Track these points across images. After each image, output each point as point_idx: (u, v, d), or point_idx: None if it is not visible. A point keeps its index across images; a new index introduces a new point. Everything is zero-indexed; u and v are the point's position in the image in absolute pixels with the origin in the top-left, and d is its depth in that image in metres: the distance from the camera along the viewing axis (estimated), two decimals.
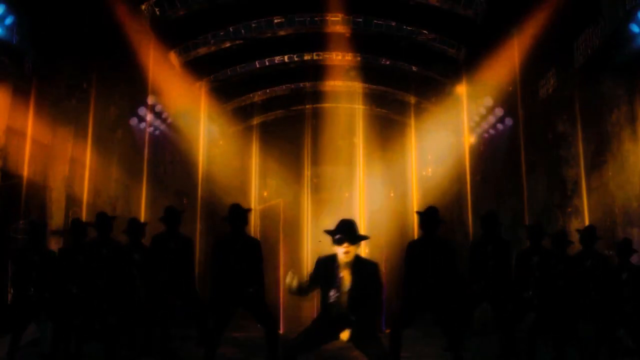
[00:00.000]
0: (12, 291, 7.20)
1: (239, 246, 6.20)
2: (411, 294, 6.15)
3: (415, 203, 15.69)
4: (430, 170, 17.07)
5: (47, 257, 6.95)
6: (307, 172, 17.90)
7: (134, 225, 7.61)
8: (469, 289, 6.90)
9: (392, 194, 17.75)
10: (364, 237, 4.44)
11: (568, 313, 6.61)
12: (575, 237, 7.31)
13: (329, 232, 4.44)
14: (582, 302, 6.67)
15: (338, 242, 4.34)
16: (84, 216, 10.39)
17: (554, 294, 6.61)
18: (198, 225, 14.03)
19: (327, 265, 4.46)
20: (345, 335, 4.38)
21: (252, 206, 16.48)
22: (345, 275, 4.41)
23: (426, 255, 6.10)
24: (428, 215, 6.22)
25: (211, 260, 6.32)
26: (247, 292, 6.14)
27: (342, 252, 4.34)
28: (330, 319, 4.49)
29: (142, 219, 12.02)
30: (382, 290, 4.50)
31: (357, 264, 4.40)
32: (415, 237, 11.39)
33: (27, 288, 6.79)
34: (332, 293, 4.43)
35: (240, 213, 6.31)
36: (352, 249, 4.35)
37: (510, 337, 6.69)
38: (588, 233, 6.95)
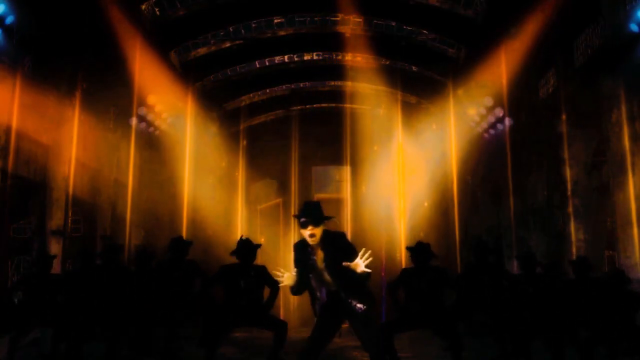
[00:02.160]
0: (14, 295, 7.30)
1: (247, 275, 6.30)
2: (407, 312, 6.35)
3: (404, 203, 15.68)
4: (429, 169, 17.04)
5: (53, 280, 7.14)
6: (297, 172, 17.91)
7: (141, 256, 7.66)
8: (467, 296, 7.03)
9: (389, 194, 17.72)
10: (328, 218, 4.44)
11: (564, 318, 6.63)
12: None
13: (295, 216, 4.47)
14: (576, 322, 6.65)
15: (303, 226, 4.34)
16: (70, 214, 10.46)
17: (548, 318, 6.60)
18: (184, 217, 13.96)
19: (302, 249, 4.48)
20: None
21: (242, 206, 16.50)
22: (319, 254, 4.43)
23: (419, 285, 6.29)
24: (418, 251, 6.44)
25: (212, 280, 6.48)
26: (248, 313, 6.26)
27: (308, 236, 4.35)
28: (327, 305, 4.50)
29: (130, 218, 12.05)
30: (355, 252, 4.38)
31: (326, 239, 4.41)
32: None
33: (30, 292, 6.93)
34: (310, 276, 4.47)
35: (250, 249, 6.38)
36: (317, 231, 4.34)
37: (507, 340, 6.76)
38: (581, 264, 6.90)
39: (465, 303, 6.94)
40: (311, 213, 4.36)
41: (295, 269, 4.50)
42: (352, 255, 4.31)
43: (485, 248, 7.21)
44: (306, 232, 4.34)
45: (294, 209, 17.18)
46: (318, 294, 4.53)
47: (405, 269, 6.70)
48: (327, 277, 4.43)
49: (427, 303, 6.26)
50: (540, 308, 6.63)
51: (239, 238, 6.52)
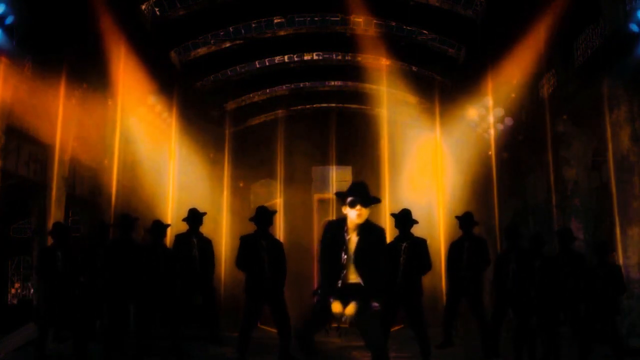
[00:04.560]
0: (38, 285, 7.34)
1: (264, 244, 6.62)
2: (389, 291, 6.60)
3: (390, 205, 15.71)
4: (428, 169, 17.03)
5: (71, 251, 7.14)
6: (297, 172, 17.91)
7: (158, 227, 7.67)
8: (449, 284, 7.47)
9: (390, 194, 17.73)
10: (377, 200, 4.34)
11: (546, 307, 6.92)
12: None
13: (340, 195, 4.34)
14: (557, 297, 6.96)
15: (351, 205, 4.21)
16: (70, 214, 10.46)
17: (531, 290, 6.94)
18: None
19: (336, 227, 4.36)
20: (350, 309, 4.17)
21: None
22: (352, 238, 4.30)
23: (399, 251, 6.62)
24: (401, 216, 6.77)
25: (238, 256, 6.69)
26: (270, 286, 6.52)
27: (355, 214, 4.21)
28: (338, 288, 4.31)
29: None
30: (385, 255, 4.45)
31: (366, 227, 4.29)
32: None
33: (52, 279, 6.94)
34: (341, 255, 4.29)
35: (266, 214, 6.74)
36: (365, 212, 4.22)
37: (489, 330, 7.08)
38: (563, 234, 7.32)
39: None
40: (361, 193, 4.26)
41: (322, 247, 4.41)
42: (381, 254, 4.29)
43: (472, 220, 7.51)
44: (353, 211, 4.21)
45: (293, 210, 17.16)
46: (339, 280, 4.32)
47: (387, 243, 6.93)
48: (351, 264, 4.29)
49: (404, 276, 6.55)
50: (523, 285, 6.94)
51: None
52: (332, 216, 18.35)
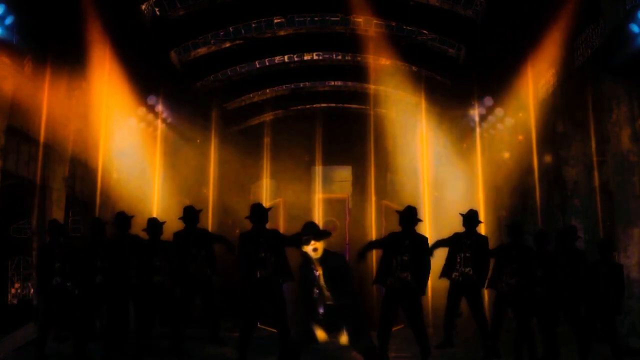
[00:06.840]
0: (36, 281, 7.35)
1: (262, 239, 6.60)
2: (387, 287, 6.68)
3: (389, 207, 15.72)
4: (428, 169, 17.03)
5: (69, 249, 7.17)
6: (297, 172, 17.93)
7: (153, 224, 7.69)
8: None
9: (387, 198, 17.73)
10: (327, 233, 4.85)
11: (546, 304, 6.89)
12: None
13: (297, 237, 4.81)
14: (559, 294, 6.93)
15: (306, 243, 4.71)
16: (70, 213, 10.48)
17: (532, 286, 6.93)
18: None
19: (306, 266, 4.83)
20: (343, 339, 4.76)
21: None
22: (320, 271, 4.79)
23: (401, 248, 6.65)
24: (406, 214, 6.78)
25: (238, 253, 6.70)
26: (270, 285, 6.48)
27: (311, 250, 4.70)
28: (320, 315, 4.83)
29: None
30: (350, 277, 4.85)
31: (326, 257, 4.77)
32: None
33: (51, 278, 6.94)
34: (314, 290, 4.82)
35: (261, 211, 6.72)
36: (319, 245, 4.71)
37: (489, 330, 7.13)
38: (567, 232, 7.34)
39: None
40: (311, 230, 4.75)
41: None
42: (347, 278, 4.79)
43: (476, 219, 7.52)
44: (309, 247, 4.70)
45: (293, 210, 17.15)
46: (320, 310, 4.83)
47: (391, 233, 6.97)
48: (326, 292, 4.81)
49: (407, 275, 6.55)
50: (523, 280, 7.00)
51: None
52: (327, 217, 18.42)
